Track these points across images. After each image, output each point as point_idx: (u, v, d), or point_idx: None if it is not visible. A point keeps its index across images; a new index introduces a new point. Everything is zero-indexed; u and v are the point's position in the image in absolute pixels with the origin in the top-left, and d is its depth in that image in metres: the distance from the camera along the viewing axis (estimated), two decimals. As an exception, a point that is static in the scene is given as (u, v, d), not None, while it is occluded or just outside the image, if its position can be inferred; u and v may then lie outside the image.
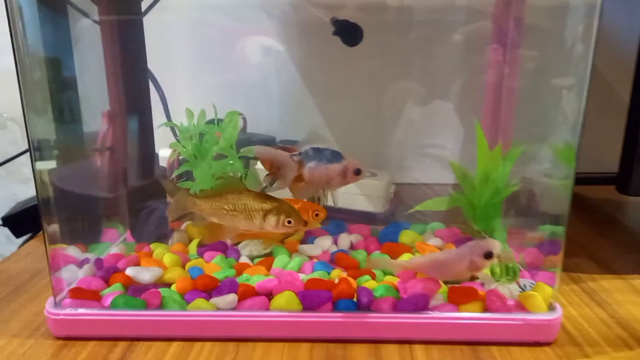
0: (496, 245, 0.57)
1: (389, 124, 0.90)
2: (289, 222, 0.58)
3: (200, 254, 0.72)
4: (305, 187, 0.63)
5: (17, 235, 0.97)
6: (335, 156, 0.61)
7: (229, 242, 0.72)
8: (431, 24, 0.84)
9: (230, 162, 0.70)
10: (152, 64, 0.79)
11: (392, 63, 0.90)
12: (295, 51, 0.96)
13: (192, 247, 0.74)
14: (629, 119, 0.84)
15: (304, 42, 0.95)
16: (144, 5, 0.75)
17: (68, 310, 0.59)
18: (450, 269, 0.59)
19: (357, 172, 0.61)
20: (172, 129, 0.75)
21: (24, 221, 0.96)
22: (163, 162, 0.77)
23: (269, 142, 0.90)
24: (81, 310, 0.59)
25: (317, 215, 0.66)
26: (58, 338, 0.60)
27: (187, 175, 0.73)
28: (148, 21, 0.77)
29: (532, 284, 0.64)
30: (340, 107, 0.97)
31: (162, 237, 0.75)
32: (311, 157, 0.62)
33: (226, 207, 0.60)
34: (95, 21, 0.70)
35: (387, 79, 0.87)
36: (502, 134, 0.76)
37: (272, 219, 0.58)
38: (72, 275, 0.65)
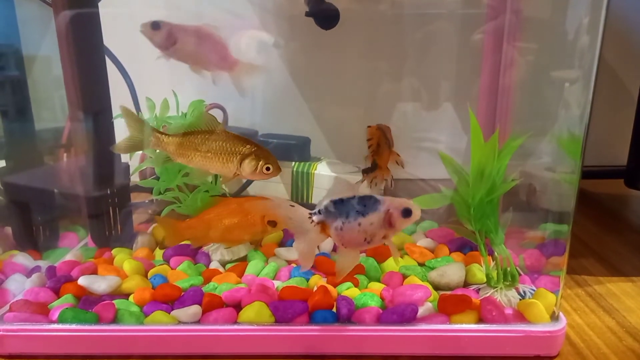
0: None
1: (382, 118, 0.87)
2: (267, 168, 0.53)
3: (167, 260, 0.66)
4: (344, 253, 0.50)
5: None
6: (369, 203, 0.47)
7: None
8: (423, 15, 0.82)
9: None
10: (129, 56, 0.74)
11: (384, 55, 0.87)
12: (285, 45, 0.92)
13: (158, 252, 0.67)
14: (638, 109, 0.78)
15: (292, 35, 0.91)
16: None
17: (10, 326, 0.53)
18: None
19: (407, 214, 0.47)
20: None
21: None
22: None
23: (250, 136, 0.85)
24: (25, 326, 0.53)
25: None
26: (0, 356, 0.54)
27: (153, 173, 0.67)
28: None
29: (532, 290, 0.59)
30: (330, 101, 0.94)
31: (127, 242, 0.69)
32: (334, 214, 0.48)
33: (199, 148, 0.53)
34: (47, 3, 0.63)
35: (379, 72, 0.85)
36: (499, 123, 0.70)
37: (249, 165, 0.52)
38: (20, 286, 0.59)
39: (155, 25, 0.56)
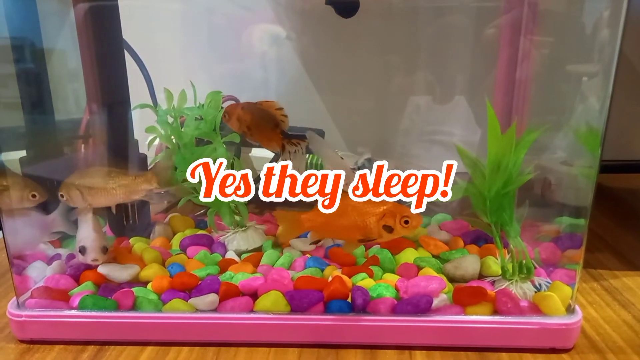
0: None
1: (395, 111, 0.86)
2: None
3: (184, 249, 0.66)
4: None
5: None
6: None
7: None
8: (438, 7, 0.81)
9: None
10: (145, 48, 0.75)
11: (398, 48, 0.86)
12: (297, 38, 0.92)
13: (175, 242, 0.68)
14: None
15: (306, 28, 0.91)
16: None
17: (31, 312, 0.54)
18: None
19: None
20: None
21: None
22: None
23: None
24: (46, 312, 0.54)
25: (406, 222, 0.53)
26: (22, 341, 0.55)
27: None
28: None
29: (548, 283, 0.58)
30: (343, 93, 0.94)
31: (144, 231, 0.70)
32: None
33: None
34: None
35: (393, 65, 0.85)
36: (516, 116, 0.69)
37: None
38: (40, 273, 0.60)
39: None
